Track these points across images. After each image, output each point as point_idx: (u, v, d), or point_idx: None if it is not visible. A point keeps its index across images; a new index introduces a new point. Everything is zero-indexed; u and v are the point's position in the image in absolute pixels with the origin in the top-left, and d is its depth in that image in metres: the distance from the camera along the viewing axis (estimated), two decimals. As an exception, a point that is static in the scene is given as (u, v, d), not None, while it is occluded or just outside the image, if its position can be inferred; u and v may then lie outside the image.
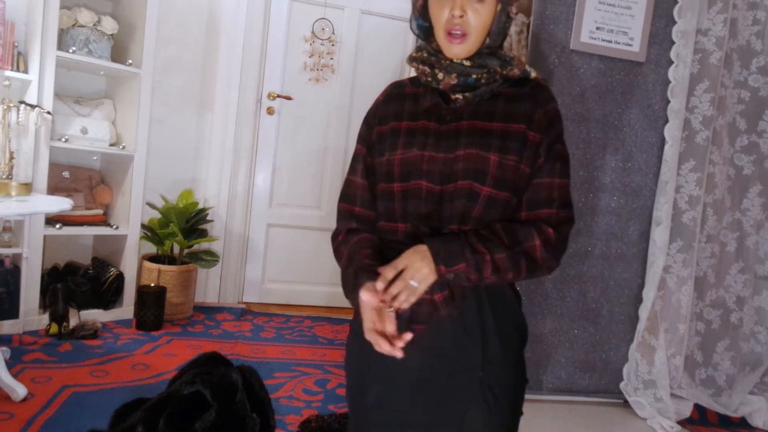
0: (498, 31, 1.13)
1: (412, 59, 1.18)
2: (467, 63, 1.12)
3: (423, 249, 1.06)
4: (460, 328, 1.10)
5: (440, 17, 1.11)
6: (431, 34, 1.16)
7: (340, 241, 1.22)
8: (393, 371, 1.11)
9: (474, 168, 1.08)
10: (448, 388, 1.10)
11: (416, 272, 1.04)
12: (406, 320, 1.08)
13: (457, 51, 1.11)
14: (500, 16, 1.12)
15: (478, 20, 1.10)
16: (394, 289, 1.03)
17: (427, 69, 1.15)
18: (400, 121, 1.17)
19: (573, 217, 1.15)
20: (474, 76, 1.12)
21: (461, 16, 1.08)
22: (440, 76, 1.13)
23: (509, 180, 1.09)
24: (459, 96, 1.14)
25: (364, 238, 1.18)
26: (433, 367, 1.10)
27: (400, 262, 1.05)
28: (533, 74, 1.16)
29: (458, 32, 1.09)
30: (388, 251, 1.15)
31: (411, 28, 1.21)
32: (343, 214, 1.24)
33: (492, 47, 1.14)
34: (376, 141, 1.20)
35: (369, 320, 1.05)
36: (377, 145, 1.19)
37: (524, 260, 1.11)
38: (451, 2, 1.09)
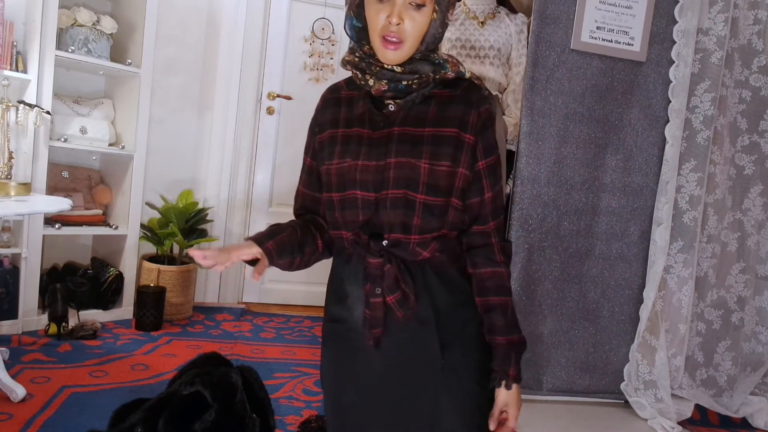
0: (432, 39, 1.14)
1: (345, 62, 1.18)
2: (398, 69, 1.12)
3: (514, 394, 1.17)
4: (414, 321, 1.13)
5: (376, 21, 1.10)
6: (364, 36, 1.15)
7: None
8: (362, 373, 1.17)
9: (405, 176, 1.10)
10: (414, 382, 1.14)
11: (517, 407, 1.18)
12: (368, 326, 1.13)
13: (391, 57, 1.11)
14: (436, 23, 1.13)
15: (414, 28, 1.10)
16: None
17: (358, 73, 1.15)
18: (336, 128, 1.19)
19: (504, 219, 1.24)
20: (405, 83, 1.12)
21: (398, 24, 1.08)
22: (371, 82, 1.13)
23: (442, 186, 1.11)
24: (391, 102, 1.15)
25: (293, 220, 1.27)
26: (396, 364, 1.14)
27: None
28: (468, 74, 1.18)
29: (394, 39, 1.09)
30: (340, 259, 1.21)
31: (344, 28, 1.20)
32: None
33: (425, 52, 1.15)
34: (318, 149, 1.22)
35: (227, 252, 1.08)
36: (319, 154, 1.22)
37: (507, 279, 1.21)
38: (389, 8, 1.08)
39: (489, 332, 1.18)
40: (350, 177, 1.13)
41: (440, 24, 1.15)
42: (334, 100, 1.23)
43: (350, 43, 1.21)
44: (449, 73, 1.16)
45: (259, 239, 1.13)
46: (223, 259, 1.05)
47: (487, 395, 1.17)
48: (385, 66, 1.13)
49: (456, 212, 1.14)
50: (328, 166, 1.17)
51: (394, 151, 1.12)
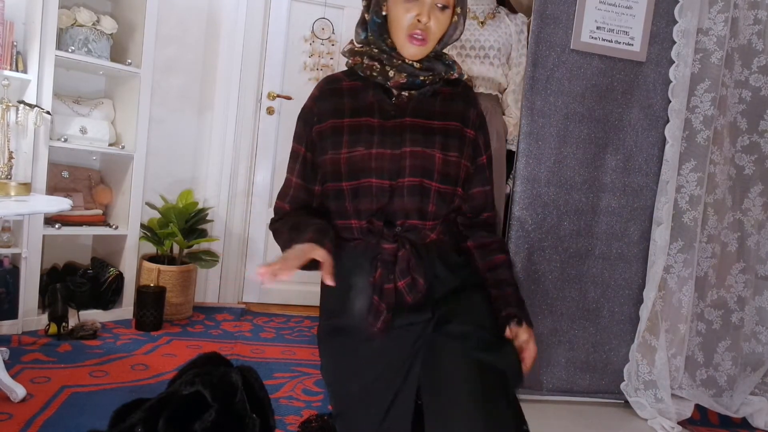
0: (449, 40, 1.23)
1: (355, 53, 1.23)
2: (417, 65, 1.19)
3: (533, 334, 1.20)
4: (418, 302, 1.18)
5: (403, 19, 1.16)
6: (384, 31, 1.21)
7: (275, 222, 1.29)
8: (365, 364, 1.19)
9: (421, 165, 1.16)
10: (411, 351, 1.15)
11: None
12: (374, 313, 1.15)
13: (414, 52, 1.18)
14: (454, 26, 1.21)
15: (437, 27, 1.18)
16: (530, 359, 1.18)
17: (376, 65, 1.20)
18: (340, 117, 1.21)
19: None
20: (421, 78, 1.19)
21: (426, 23, 1.16)
22: (391, 74, 1.19)
23: (453, 175, 1.19)
24: (404, 93, 1.21)
25: (300, 212, 1.26)
26: (396, 346, 1.16)
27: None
28: (465, 76, 1.31)
29: (420, 36, 1.16)
30: (344, 252, 1.21)
31: (366, 21, 1.24)
32: (276, 209, 1.32)
33: (438, 52, 1.23)
34: (316, 139, 1.24)
35: (296, 258, 1.05)
36: (318, 143, 1.23)
37: (505, 243, 1.34)
38: (419, 7, 1.15)
39: (497, 287, 1.23)
40: (364, 165, 1.16)
41: (457, 27, 1.22)
42: (333, 90, 1.25)
43: (359, 35, 1.25)
44: (455, 73, 1.24)
45: (317, 239, 1.10)
46: (294, 265, 1.04)
47: (489, 337, 1.17)
48: (406, 61, 1.19)
49: (459, 199, 1.22)
50: (334, 155, 1.18)
51: (409, 140, 1.17)
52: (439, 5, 1.16)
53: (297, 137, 1.29)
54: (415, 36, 1.16)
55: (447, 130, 1.20)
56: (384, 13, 1.19)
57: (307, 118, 1.27)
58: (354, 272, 1.19)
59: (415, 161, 1.15)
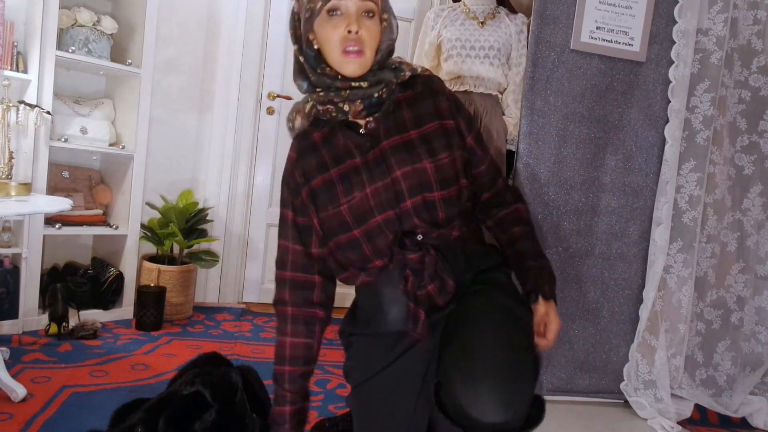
0: (386, 48, 1.20)
1: (310, 110, 1.21)
2: (364, 84, 1.16)
3: (553, 307, 1.22)
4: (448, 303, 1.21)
5: (333, 37, 1.14)
6: (321, 61, 1.19)
7: (278, 314, 1.30)
8: (392, 365, 1.21)
9: (417, 182, 1.15)
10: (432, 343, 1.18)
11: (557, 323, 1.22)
12: (412, 320, 1.17)
13: (354, 67, 1.14)
14: (387, 32, 1.19)
15: (370, 36, 1.15)
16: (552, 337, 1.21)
17: (329, 107, 1.17)
18: (326, 171, 1.20)
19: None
20: (376, 95, 1.16)
21: (357, 32, 1.12)
22: (346, 107, 1.16)
23: (450, 176, 1.18)
24: (370, 119, 1.18)
25: (297, 349, 1.30)
26: (424, 344, 1.19)
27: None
28: (419, 69, 1.25)
29: (355, 48, 1.13)
30: (372, 275, 1.21)
31: (302, 66, 1.22)
32: (277, 279, 1.29)
33: (381, 62, 1.20)
34: (308, 201, 1.22)
35: None
36: (312, 203, 1.21)
37: (523, 213, 1.33)
38: (345, 19, 1.13)
39: (519, 260, 1.25)
40: (366, 207, 1.15)
41: (391, 31, 1.20)
42: (308, 146, 1.24)
43: (302, 87, 1.23)
44: (407, 73, 1.21)
45: None
46: None
47: (512, 303, 1.20)
48: (353, 84, 1.15)
49: (467, 190, 1.22)
50: (335, 209, 1.17)
51: (395, 163, 1.15)
52: (365, 13, 1.14)
53: (284, 202, 1.28)
54: (350, 48, 1.13)
55: (427, 135, 1.19)
56: (316, 46, 1.18)
57: (291, 182, 1.26)
58: (385, 286, 1.20)
59: (409, 182, 1.14)
